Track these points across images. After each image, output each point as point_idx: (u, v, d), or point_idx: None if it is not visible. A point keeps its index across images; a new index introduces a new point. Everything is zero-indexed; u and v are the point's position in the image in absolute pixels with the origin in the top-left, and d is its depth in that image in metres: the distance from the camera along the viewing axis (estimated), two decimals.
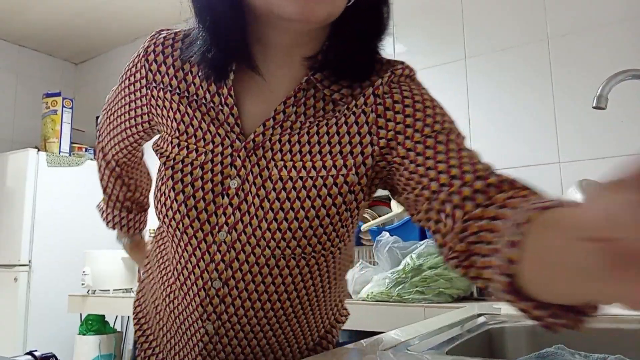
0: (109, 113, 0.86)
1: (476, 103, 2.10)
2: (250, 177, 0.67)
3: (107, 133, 0.87)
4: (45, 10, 3.10)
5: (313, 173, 0.66)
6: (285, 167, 0.66)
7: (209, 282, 0.68)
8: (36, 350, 1.70)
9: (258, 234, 0.66)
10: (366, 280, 1.61)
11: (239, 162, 0.67)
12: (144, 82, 0.75)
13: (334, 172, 0.66)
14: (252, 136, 0.67)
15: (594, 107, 1.28)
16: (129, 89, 0.78)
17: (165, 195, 0.69)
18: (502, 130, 2.02)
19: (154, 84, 0.73)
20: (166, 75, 0.72)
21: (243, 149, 0.67)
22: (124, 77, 0.79)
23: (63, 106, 3.11)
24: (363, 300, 1.56)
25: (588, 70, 1.86)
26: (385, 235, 1.66)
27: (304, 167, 0.66)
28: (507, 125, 2.01)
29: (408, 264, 1.52)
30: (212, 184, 0.67)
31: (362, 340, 0.82)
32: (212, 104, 0.69)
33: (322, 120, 0.68)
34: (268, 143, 0.67)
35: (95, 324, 2.43)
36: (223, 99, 0.69)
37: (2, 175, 2.97)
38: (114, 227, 1.00)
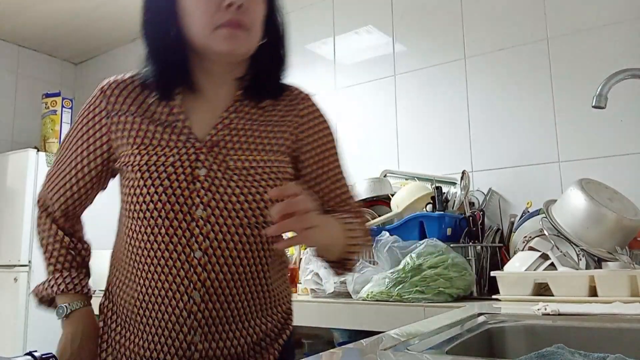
0: (64, 160, 0.95)
1: (476, 103, 2.10)
2: (215, 166, 0.86)
3: (66, 182, 0.94)
4: (45, 10, 3.10)
5: (261, 164, 0.89)
6: (240, 159, 0.88)
7: (192, 254, 0.84)
8: (36, 350, 1.69)
9: (229, 207, 0.85)
10: (366, 279, 1.61)
11: (202, 157, 0.86)
12: (104, 113, 0.91)
13: (277, 164, 0.91)
14: (209, 137, 0.88)
15: (594, 107, 1.28)
16: (87, 126, 0.92)
17: (144, 193, 0.85)
18: (502, 130, 2.02)
19: (113, 112, 0.90)
20: (124, 104, 0.90)
21: (204, 147, 0.87)
22: (81, 118, 0.93)
23: (63, 106, 3.11)
24: (363, 300, 1.56)
25: (588, 70, 1.86)
26: (385, 234, 1.66)
27: (254, 160, 0.89)
28: (507, 125, 2.02)
29: (408, 263, 1.52)
30: (184, 175, 0.85)
31: (362, 340, 0.82)
32: (167, 121, 0.88)
33: (259, 125, 0.92)
34: (222, 142, 0.88)
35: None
36: (176, 116, 0.89)
37: (2, 175, 2.97)
38: (71, 290, 0.93)
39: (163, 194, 0.84)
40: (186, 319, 0.84)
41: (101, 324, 0.95)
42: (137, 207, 0.85)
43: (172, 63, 0.89)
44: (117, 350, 0.90)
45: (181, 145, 0.87)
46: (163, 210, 0.84)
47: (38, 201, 0.99)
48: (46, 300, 0.96)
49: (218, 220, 0.85)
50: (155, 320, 0.85)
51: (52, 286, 0.93)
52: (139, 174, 0.85)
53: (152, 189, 0.84)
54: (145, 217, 0.85)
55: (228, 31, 0.84)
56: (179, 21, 0.87)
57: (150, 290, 0.86)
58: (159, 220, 0.84)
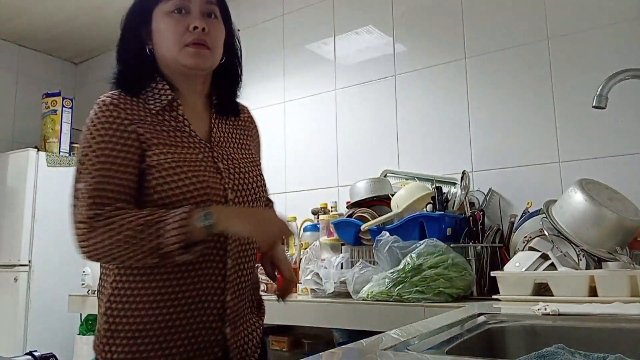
0: (105, 172, 0.96)
1: (476, 103, 2.10)
2: (225, 160, 1.08)
3: (110, 187, 0.96)
4: (45, 10, 3.10)
5: (248, 156, 1.15)
6: (238, 153, 1.12)
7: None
8: (36, 350, 1.70)
9: (248, 187, 1.08)
10: (366, 279, 1.60)
11: (215, 154, 1.07)
12: (127, 122, 1.00)
13: (255, 157, 1.19)
14: (212, 139, 1.09)
15: (594, 107, 1.28)
16: (116, 136, 0.98)
17: (188, 184, 0.98)
18: (502, 130, 2.02)
19: (136, 120, 1.01)
20: (139, 115, 1.02)
21: (214, 146, 1.08)
22: (105, 131, 0.97)
23: (63, 106, 3.11)
24: (363, 300, 1.56)
25: (588, 70, 1.86)
26: (385, 234, 1.66)
27: (246, 154, 1.15)
28: (507, 125, 2.02)
29: (408, 263, 1.52)
30: (211, 167, 1.04)
31: (362, 340, 0.83)
32: (177, 127, 1.06)
33: (234, 131, 1.17)
34: (220, 142, 1.11)
35: (95, 324, 2.42)
36: (182, 123, 1.07)
37: (2, 175, 2.97)
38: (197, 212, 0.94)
39: (204, 183, 1.00)
40: (220, 282, 1.02)
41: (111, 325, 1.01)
42: (174, 198, 0.97)
43: (146, 73, 1.08)
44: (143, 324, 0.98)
45: (197, 145, 1.05)
46: (205, 196, 0.99)
47: (88, 219, 0.93)
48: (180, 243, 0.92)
49: (242, 199, 1.06)
50: (190, 286, 0.99)
51: (184, 218, 0.92)
52: (178, 169, 0.99)
53: (195, 179, 0.99)
54: (187, 205, 0.96)
55: (194, 49, 1.04)
56: (152, 40, 1.08)
57: (185, 266, 0.98)
58: (201, 205, 0.97)
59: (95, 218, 0.93)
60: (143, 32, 1.09)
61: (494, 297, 1.45)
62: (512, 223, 1.83)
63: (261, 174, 1.15)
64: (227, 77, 1.17)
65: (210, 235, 0.95)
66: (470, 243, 1.67)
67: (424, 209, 1.79)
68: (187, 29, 1.04)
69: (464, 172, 1.87)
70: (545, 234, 1.49)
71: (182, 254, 0.92)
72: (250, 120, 1.24)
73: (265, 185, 1.15)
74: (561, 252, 1.41)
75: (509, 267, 1.50)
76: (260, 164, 1.19)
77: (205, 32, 1.04)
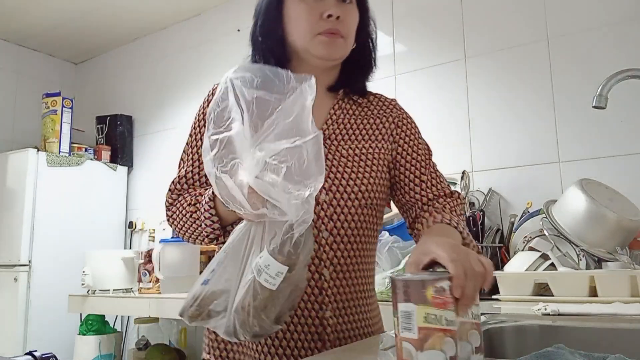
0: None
1: (476, 103, 2.10)
2: (330, 156, 0.95)
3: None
4: (45, 10, 3.10)
5: (369, 151, 0.99)
6: (350, 148, 0.98)
7: (319, 234, 0.90)
8: (36, 351, 1.70)
9: (348, 190, 0.93)
10: None
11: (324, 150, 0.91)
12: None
13: (378, 150, 1.00)
14: (323, 129, 0.97)
15: (594, 107, 1.28)
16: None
17: None
18: (502, 130, 2.02)
19: None
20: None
21: (326, 139, 0.95)
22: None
23: (63, 106, 3.11)
24: None
25: (588, 70, 1.86)
26: (385, 234, 1.66)
27: (363, 147, 0.99)
28: (507, 125, 2.02)
29: None
30: None
31: (362, 340, 0.82)
32: None
33: (362, 118, 1.03)
34: (333, 135, 0.98)
35: (95, 324, 2.43)
36: None
37: (2, 175, 2.97)
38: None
39: None
40: (317, 296, 0.89)
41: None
42: None
43: (276, 60, 0.98)
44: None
45: None
46: None
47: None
48: None
49: (339, 202, 0.93)
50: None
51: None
52: None
53: None
54: None
55: (327, 38, 0.95)
56: (284, 27, 0.98)
57: None
58: None
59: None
60: (277, 17, 0.99)
61: (494, 297, 1.45)
62: (512, 223, 1.83)
63: (370, 175, 0.98)
64: (357, 64, 1.05)
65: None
66: None
67: None
68: (321, 17, 0.94)
69: (464, 172, 1.87)
70: (545, 234, 1.49)
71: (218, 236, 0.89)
72: (405, 123, 1.08)
73: (371, 187, 0.97)
74: (561, 252, 1.41)
75: (509, 267, 1.50)
76: (377, 158, 1.01)
77: (339, 19, 0.94)
